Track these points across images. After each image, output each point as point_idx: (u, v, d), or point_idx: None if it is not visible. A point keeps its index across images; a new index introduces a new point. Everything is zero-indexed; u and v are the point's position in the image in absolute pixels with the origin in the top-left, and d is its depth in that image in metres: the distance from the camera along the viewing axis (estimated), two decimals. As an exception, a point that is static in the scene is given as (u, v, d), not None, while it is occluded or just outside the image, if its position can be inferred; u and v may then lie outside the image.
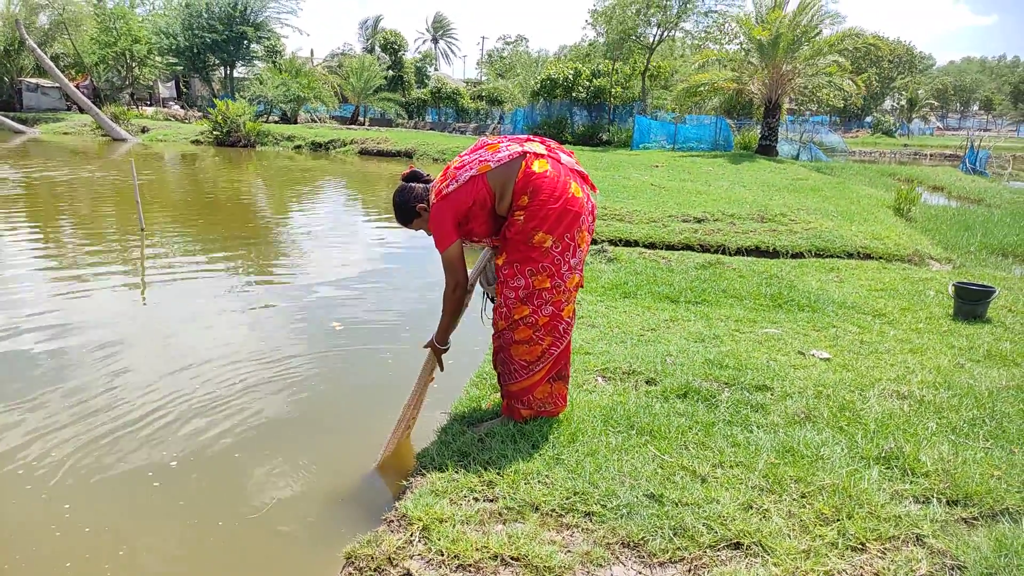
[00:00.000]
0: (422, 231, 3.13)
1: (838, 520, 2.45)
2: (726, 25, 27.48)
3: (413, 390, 3.30)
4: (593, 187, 3.10)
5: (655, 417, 3.23)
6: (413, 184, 3.10)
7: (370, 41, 46.07)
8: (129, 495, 3.06)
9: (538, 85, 29.00)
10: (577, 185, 2.93)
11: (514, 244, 2.91)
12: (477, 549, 2.30)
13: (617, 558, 2.30)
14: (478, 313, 3.53)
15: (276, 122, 33.66)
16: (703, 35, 28.76)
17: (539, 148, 2.95)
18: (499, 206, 2.92)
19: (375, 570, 2.28)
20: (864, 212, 10.76)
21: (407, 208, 3.07)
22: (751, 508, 2.52)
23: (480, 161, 2.89)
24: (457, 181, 2.89)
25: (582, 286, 3.23)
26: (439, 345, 3.17)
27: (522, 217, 2.86)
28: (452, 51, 77.99)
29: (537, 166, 2.86)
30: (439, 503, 2.56)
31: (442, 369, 3.29)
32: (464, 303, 3.14)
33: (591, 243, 3.54)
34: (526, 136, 3.04)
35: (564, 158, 2.99)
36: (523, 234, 2.87)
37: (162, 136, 28.75)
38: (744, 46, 22.39)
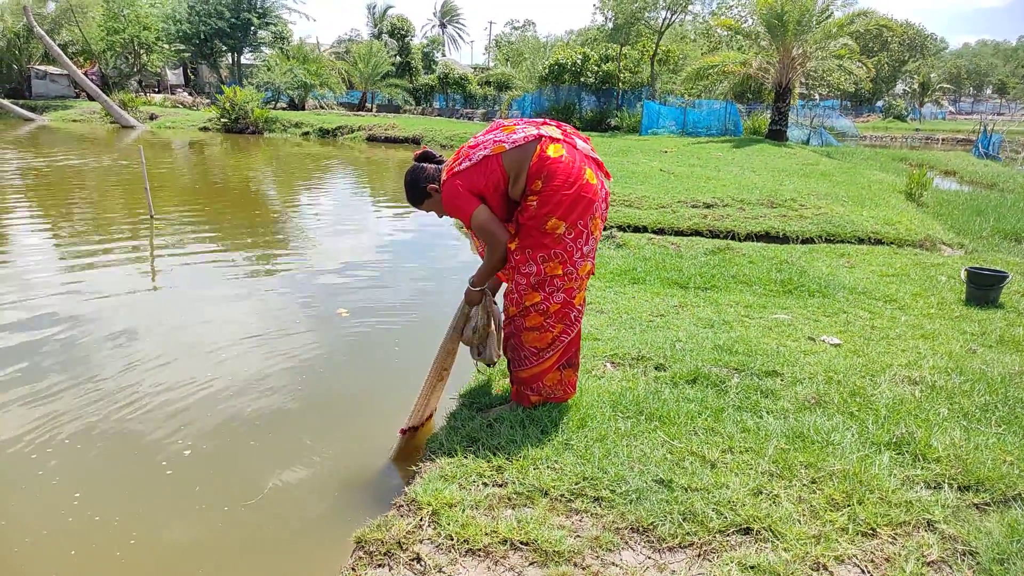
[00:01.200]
0: (433, 213, 3.10)
1: (848, 505, 2.44)
2: (733, 9, 27.19)
3: (444, 339, 3.25)
4: (607, 174, 3.07)
5: (664, 403, 3.23)
6: (425, 164, 3.06)
7: (377, 27, 45.74)
8: (140, 481, 3.09)
9: (546, 70, 28.80)
10: (592, 172, 2.89)
11: (527, 230, 2.88)
12: (486, 534, 2.31)
13: (626, 543, 2.30)
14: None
15: (284, 109, 33.58)
16: (711, 17, 28.44)
17: (555, 132, 2.91)
18: (512, 190, 2.89)
19: (385, 554, 2.29)
20: (875, 197, 10.67)
21: (418, 188, 3.03)
22: (761, 493, 2.51)
23: (495, 142, 2.85)
24: (471, 160, 2.86)
25: (593, 273, 3.20)
26: (473, 287, 3.11)
27: (535, 202, 2.83)
28: (460, 37, 77.50)
29: (552, 151, 2.82)
30: (448, 488, 2.56)
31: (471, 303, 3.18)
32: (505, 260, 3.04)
33: (602, 230, 3.49)
34: (542, 120, 2.99)
35: (579, 144, 2.95)
36: (536, 220, 2.84)
37: (170, 123, 28.76)
38: (754, 28, 22.13)
